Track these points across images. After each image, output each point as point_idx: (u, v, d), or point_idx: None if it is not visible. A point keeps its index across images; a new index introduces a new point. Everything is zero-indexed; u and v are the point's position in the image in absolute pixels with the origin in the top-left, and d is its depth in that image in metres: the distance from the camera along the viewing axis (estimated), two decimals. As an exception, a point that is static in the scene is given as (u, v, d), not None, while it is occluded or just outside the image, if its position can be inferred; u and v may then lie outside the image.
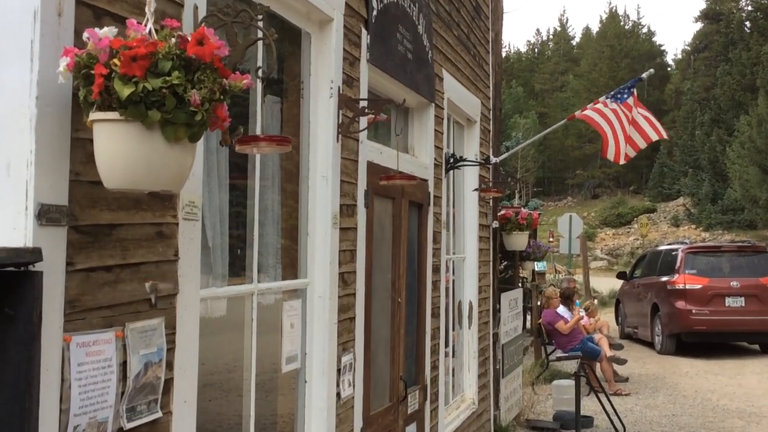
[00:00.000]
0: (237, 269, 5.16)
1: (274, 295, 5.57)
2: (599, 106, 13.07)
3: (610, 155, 12.87)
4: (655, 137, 13.15)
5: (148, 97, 2.90)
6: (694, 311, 22.29)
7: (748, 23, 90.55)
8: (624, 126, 12.77)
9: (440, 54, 9.38)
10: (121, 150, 2.99)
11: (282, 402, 6.09)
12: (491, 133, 12.80)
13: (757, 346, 24.05)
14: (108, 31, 2.97)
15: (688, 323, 22.42)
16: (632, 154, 12.94)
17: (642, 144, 12.97)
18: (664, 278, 23.57)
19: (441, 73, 9.38)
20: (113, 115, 2.94)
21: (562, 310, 18.79)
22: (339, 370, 6.12)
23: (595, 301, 23.66)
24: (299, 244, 5.95)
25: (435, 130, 9.04)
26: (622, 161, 13.09)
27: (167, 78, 2.92)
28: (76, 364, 3.25)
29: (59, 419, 3.17)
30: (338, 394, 6.10)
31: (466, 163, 10.47)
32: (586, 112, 12.94)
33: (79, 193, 3.30)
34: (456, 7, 10.33)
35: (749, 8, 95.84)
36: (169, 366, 3.87)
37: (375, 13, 6.93)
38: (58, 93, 3.16)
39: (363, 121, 6.42)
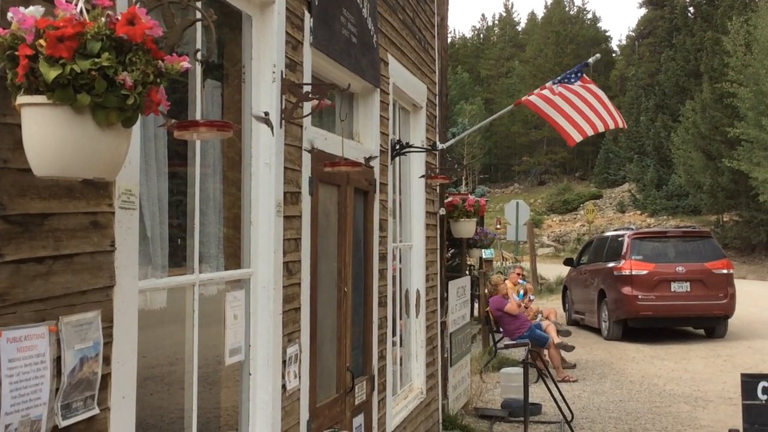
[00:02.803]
0: (178, 259, 5.04)
1: (217, 285, 5.46)
2: (546, 92, 12.93)
3: (576, 137, 12.69)
4: (612, 125, 12.97)
5: (76, 80, 2.77)
6: (640, 297, 22.50)
7: (691, 9, 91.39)
8: (577, 106, 12.62)
9: (385, 38, 9.26)
10: (50, 135, 2.86)
11: (226, 395, 5.98)
12: (437, 119, 12.73)
13: (702, 331, 24.30)
14: (34, 10, 2.83)
15: (635, 309, 22.63)
16: (590, 132, 12.72)
17: (600, 127, 12.75)
18: (611, 264, 23.76)
19: (386, 58, 9.27)
20: (40, 98, 2.81)
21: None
22: (284, 362, 6.01)
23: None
24: (242, 233, 5.83)
25: (380, 115, 8.93)
26: (578, 139, 12.83)
27: (96, 60, 2.78)
28: (6, 360, 3.13)
29: (-11, 418, 3.03)
30: (284, 386, 6.00)
31: (412, 149, 10.37)
32: (531, 98, 12.78)
33: (8, 181, 3.17)
34: (401, -9, 10.22)
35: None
36: (107, 361, 3.75)
37: (318, -5, 6.80)
38: (-18, 76, 3.01)
39: (307, 107, 6.30)
